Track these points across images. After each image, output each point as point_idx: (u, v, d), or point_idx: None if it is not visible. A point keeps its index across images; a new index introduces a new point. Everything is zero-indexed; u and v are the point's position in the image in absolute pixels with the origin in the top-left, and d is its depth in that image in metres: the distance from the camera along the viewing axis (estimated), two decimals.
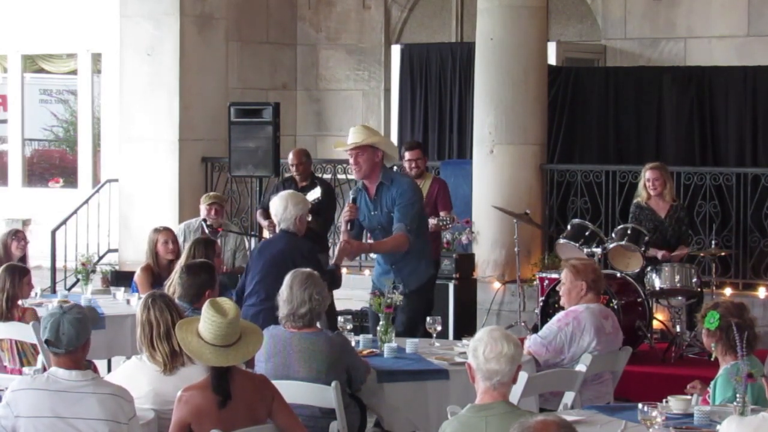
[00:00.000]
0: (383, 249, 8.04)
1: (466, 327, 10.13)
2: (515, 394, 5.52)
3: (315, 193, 10.21)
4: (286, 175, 11.06)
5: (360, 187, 8.12)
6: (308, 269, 6.44)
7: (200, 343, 5.22)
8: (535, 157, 11.68)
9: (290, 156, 10.60)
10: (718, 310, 5.73)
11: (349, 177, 12.46)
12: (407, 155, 10.08)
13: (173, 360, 5.58)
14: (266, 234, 10.85)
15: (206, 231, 10.35)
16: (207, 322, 5.22)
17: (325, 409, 6.04)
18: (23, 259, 9.82)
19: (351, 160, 8.00)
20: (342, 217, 8.10)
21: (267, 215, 10.70)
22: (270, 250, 7.69)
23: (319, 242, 9.53)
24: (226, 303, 5.32)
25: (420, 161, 10.04)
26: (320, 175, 11.81)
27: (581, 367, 6.63)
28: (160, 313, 5.66)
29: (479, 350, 4.68)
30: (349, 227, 7.97)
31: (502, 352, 4.65)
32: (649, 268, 9.68)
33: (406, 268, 8.00)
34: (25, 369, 6.23)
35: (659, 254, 9.80)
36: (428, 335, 7.41)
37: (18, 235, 10.08)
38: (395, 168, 9.26)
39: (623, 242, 9.68)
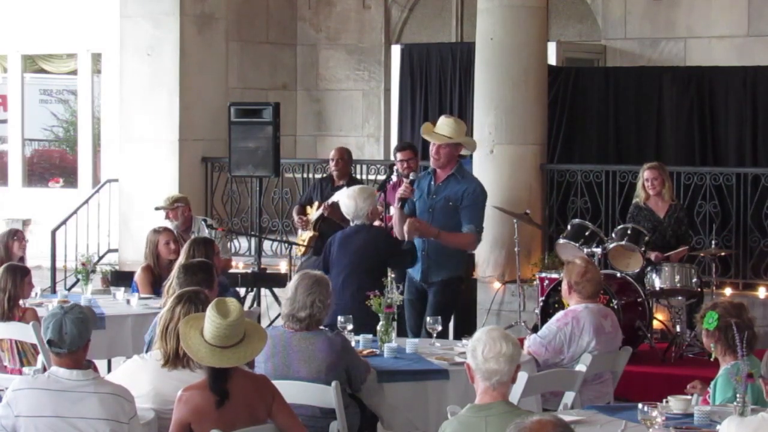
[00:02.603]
0: (449, 241, 8.22)
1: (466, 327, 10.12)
2: (515, 394, 5.52)
3: (334, 198, 10.30)
4: (325, 174, 11.16)
5: (429, 172, 8.38)
6: (319, 272, 6.53)
7: (199, 341, 5.21)
8: (535, 157, 11.67)
9: (333, 151, 10.74)
10: (717, 310, 5.73)
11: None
12: (399, 155, 10.13)
13: (174, 359, 5.56)
14: (300, 233, 10.85)
15: (206, 230, 10.37)
16: (208, 321, 5.22)
17: (325, 409, 6.05)
18: (22, 259, 9.83)
19: (431, 149, 8.30)
20: (397, 192, 8.37)
21: (302, 211, 10.82)
22: (353, 243, 8.03)
23: None
24: (232, 304, 5.27)
25: (412, 161, 10.03)
26: (320, 176, 11.83)
27: (581, 367, 6.63)
28: (183, 314, 5.61)
29: (478, 350, 4.69)
30: (400, 204, 8.28)
31: (501, 352, 4.66)
32: (649, 268, 9.67)
33: (436, 257, 8.21)
34: (25, 369, 6.23)
35: (652, 256, 9.73)
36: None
37: (18, 235, 10.10)
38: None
39: (623, 242, 9.67)
